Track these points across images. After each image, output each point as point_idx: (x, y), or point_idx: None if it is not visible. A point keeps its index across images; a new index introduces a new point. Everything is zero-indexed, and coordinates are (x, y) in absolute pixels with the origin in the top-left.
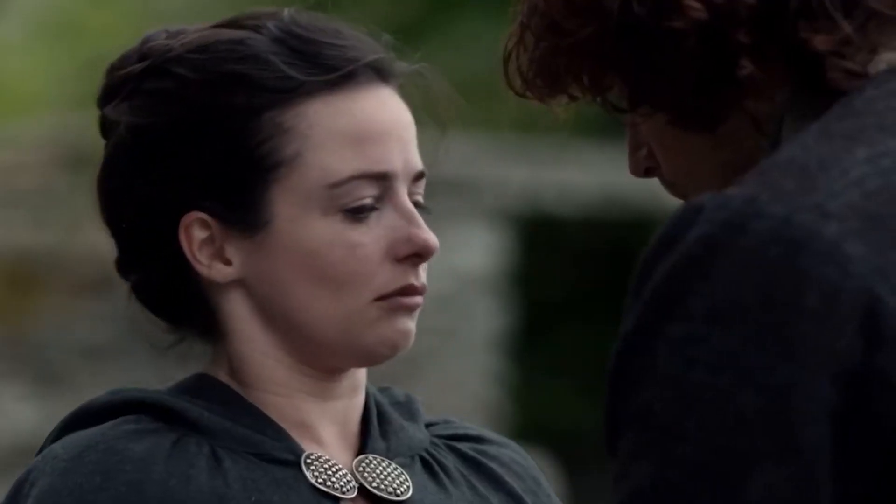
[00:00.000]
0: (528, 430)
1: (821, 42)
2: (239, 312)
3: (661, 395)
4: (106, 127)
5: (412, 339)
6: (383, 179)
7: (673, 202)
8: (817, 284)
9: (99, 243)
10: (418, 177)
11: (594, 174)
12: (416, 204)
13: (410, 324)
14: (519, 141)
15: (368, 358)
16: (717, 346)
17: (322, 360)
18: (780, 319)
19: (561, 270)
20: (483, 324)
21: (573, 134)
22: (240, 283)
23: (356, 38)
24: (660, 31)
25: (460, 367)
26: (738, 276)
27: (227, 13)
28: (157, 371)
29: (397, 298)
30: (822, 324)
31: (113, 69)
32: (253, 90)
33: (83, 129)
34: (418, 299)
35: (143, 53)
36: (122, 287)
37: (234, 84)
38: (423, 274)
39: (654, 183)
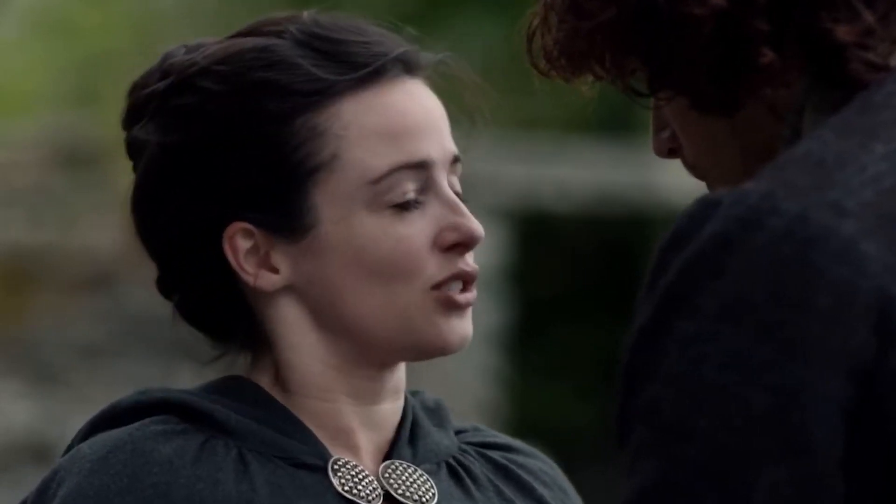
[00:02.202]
0: (524, 427)
1: (843, 33)
2: (287, 319)
3: (669, 393)
4: (133, 148)
5: (469, 339)
6: (423, 168)
7: (672, 201)
8: (831, 283)
9: (95, 241)
10: (455, 160)
11: (591, 171)
12: (454, 193)
13: (466, 323)
14: (515, 138)
15: (423, 352)
16: (727, 344)
17: (373, 358)
18: (791, 318)
19: (557, 267)
20: (479, 321)
21: (570, 131)
22: (288, 289)
23: (380, 33)
24: (679, 17)
25: (456, 365)
26: (750, 274)
27: (218, 12)
28: (154, 369)
29: (451, 294)
30: (835, 323)
31: (136, 88)
32: (284, 95)
33: (79, 127)
34: (470, 295)
35: (165, 70)
36: (119, 285)
37: (264, 91)
38: (471, 260)
39: (651, 181)
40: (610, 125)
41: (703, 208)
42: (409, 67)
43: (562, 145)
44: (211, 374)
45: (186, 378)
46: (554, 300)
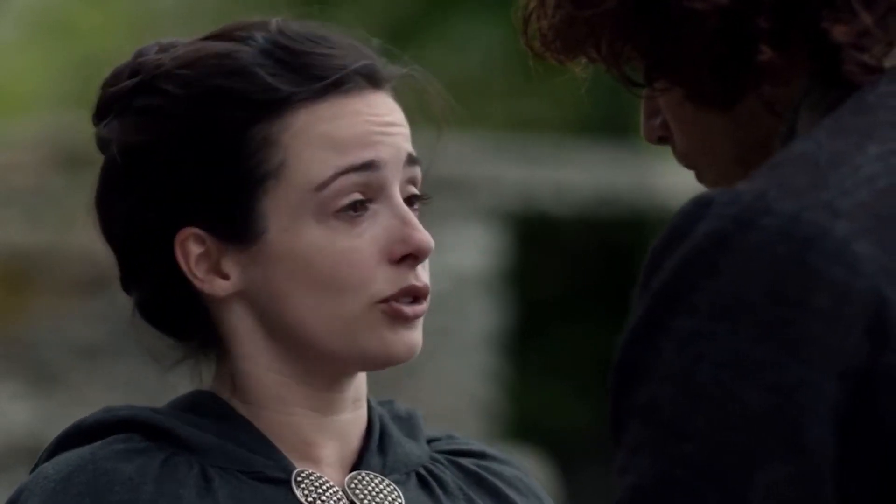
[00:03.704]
0: (523, 428)
1: (840, 33)
2: (240, 327)
3: (665, 391)
4: (100, 144)
5: (418, 350)
6: (370, 170)
7: (670, 203)
8: (825, 283)
9: (93, 243)
10: (410, 161)
11: (589, 173)
12: (412, 196)
13: (414, 334)
14: (514, 140)
15: (369, 363)
16: (723, 342)
17: (324, 369)
18: (786, 317)
19: (556, 269)
20: (478, 323)
21: (569, 133)
22: (240, 296)
23: (344, 44)
24: (682, 12)
25: (455, 367)
26: (745, 273)
27: (217, 12)
28: (151, 371)
29: (398, 306)
30: (829, 323)
31: (105, 86)
32: (239, 104)
33: (77, 128)
34: (420, 308)
35: (135, 69)
36: (117, 286)
37: (220, 99)
38: (423, 274)
39: (649, 182)
40: (608, 127)
41: (697, 208)
42: (370, 80)
43: (560, 147)
44: (207, 376)
45: (185, 381)
46: (553, 301)
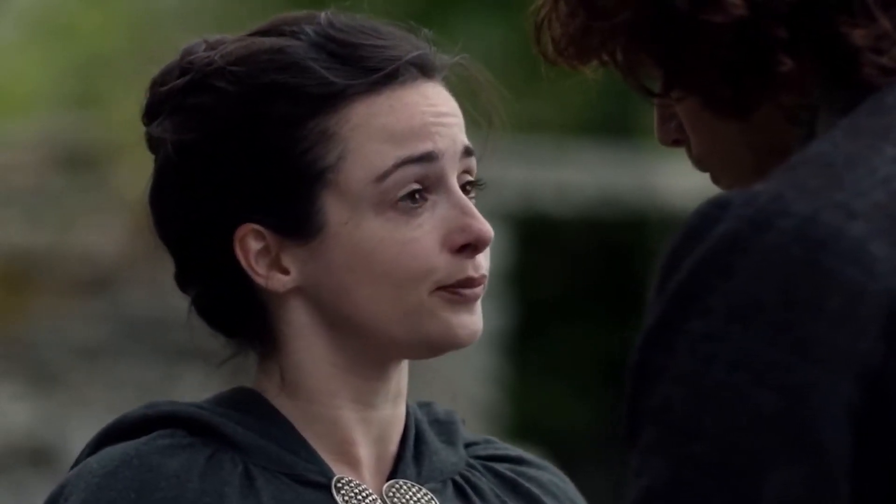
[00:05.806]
0: (524, 429)
1: (860, 37)
2: (298, 321)
3: (679, 392)
4: (152, 143)
5: (479, 334)
6: (429, 161)
7: (671, 204)
8: (840, 285)
9: (93, 243)
10: (466, 153)
11: (591, 174)
12: (468, 184)
13: (475, 318)
14: (516, 140)
15: (433, 349)
16: (737, 344)
17: (378, 356)
18: (800, 319)
19: (556, 270)
20: None
21: (570, 134)
22: (299, 290)
23: (395, 35)
24: (699, 24)
25: (456, 367)
26: (760, 274)
27: (221, 13)
28: (151, 371)
29: (457, 291)
30: (844, 324)
31: (155, 85)
32: (294, 99)
33: (78, 128)
34: (478, 290)
35: (184, 68)
36: (117, 286)
37: (275, 94)
38: (483, 263)
39: (651, 183)
40: (609, 128)
41: (714, 209)
42: (424, 70)
43: (562, 148)
44: (213, 377)
45: (186, 381)
46: (553, 302)
